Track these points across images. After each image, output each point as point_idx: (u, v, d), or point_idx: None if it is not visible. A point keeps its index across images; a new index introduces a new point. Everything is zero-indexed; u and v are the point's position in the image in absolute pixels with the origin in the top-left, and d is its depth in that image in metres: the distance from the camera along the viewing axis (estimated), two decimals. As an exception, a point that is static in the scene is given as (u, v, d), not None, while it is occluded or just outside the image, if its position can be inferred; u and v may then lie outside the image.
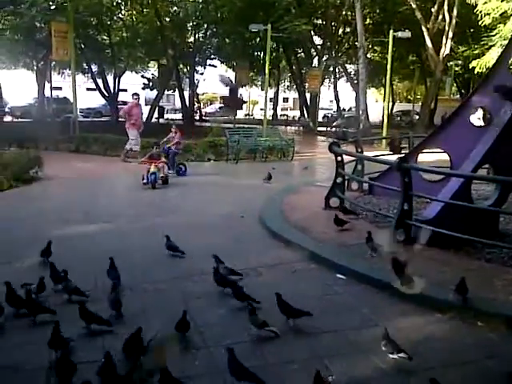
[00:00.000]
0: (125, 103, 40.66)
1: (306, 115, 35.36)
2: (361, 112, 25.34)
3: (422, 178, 8.21)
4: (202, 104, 47.57)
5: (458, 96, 42.55)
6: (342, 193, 8.59)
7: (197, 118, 38.30)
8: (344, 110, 44.72)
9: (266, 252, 6.50)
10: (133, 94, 15.71)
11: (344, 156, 8.79)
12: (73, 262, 5.65)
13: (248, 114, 47.49)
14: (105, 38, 31.60)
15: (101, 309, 4.52)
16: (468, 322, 4.55)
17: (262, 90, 34.85)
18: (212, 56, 35.74)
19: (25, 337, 4.20)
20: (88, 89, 38.42)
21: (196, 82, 36.81)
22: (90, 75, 33.26)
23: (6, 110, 35.09)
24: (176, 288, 5.25)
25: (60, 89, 37.72)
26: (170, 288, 5.27)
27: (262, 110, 41.04)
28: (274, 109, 43.01)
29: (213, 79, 45.06)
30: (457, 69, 36.05)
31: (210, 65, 37.13)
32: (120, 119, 31.10)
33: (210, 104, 57.36)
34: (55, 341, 3.77)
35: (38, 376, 3.63)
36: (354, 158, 10.00)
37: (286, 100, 61.45)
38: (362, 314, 4.77)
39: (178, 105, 40.92)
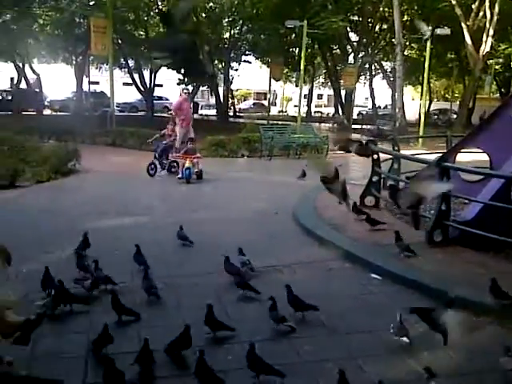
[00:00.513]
0: (160, 98, 41.31)
1: (340, 112, 35.09)
2: (397, 110, 24.99)
3: (460, 178, 8.03)
4: (235, 100, 47.70)
5: (498, 95, 41.48)
6: (377, 191, 8.49)
7: (231, 113, 38.46)
8: (379, 107, 44.15)
9: (300, 249, 6.47)
10: (182, 89, 15.69)
11: (380, 154, 8.68)
12: (109, 254, 5.80)
13: (282, 111, 47.38)
14: (141, 33, 32.03)
15: (137, 299, 4.62)
16: (507, 328, 4.43)
17: (297, 86, 34.71)
18: (247, 52, 35.83)
19: (63, 325, 4.31)
20: (124, 83, 39.05)
21: (230, 77, 36.95)
22: (126, 70, 33.80)
23: (46, 103, 35.98)
24: (209, 283, 5.28)
25: (97, 83, 38.46)
26: (203, 282, 5.29)
27: (295, 106, 40.89)
28: (308, 105, 42.83)
29: (247, 75, 45.22)
30: (497, 67, 35.18)
31: (244, 61, 37.23)
32: (155, 114, 31.66)
33: (244, 100, 57.52)
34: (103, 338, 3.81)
35: (77, 363, 3.72)
36: (389, 157, 9.88)
37: (320, 97, 61.05)
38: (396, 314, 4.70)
39: (212, 101, 41.16)
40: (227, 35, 33.82)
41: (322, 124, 32.39)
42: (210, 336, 4.09)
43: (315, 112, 44.06)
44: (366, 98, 50.41)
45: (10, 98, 33.38)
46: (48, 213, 8.12)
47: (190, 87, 32.87)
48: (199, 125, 15.78)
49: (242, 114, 41.11)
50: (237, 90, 52.30)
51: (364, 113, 42.97)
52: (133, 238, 6.64)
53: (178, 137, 14.76)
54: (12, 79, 34.64)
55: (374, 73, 41.26)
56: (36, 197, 9.66)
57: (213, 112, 39.50)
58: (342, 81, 33.42)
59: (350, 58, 34.58)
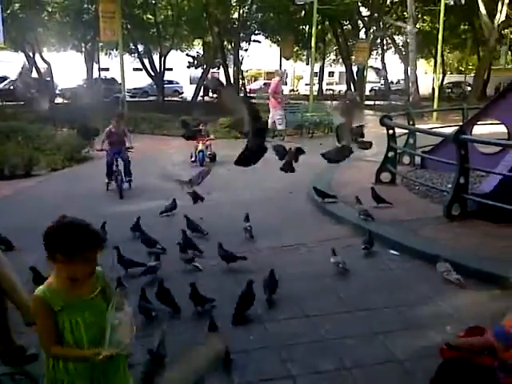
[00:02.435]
0: (170, 82, 41.09)
1: (352, 89, 34.70)
2: (410, 84, 24.65)
3: (476, 151, 7.92)
4: (246, 81, 47.32)
5: (514, 65, 40.68)
6: (393, 167, 8.40)
7: (241, 95, 38.19)
8: (392, 82, 43.55)
9: (317, 228, 6.45)
10: (276, 70, 15.75)
11: (396, 129, 8.57)
12: (128, 237, 5.93)
13: (293, 90, 46.95)
14: (150, 17, 31.78)
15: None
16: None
17: (307, 64, 34.31)
18: (256, 31, 35.41)
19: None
20: (134, 69, 38.87)
21: (240, 58, 36.61)
22: (136, 55, 33.62)
23: (57, 92, 36.03)
24: (228, 265, 5.27)
25: (107, 70, 38.40)
26: (221, 265, 5.28)
27: (307, 85, 40.44)
28: (320, 83, 42.36)
29: (257, 55, 44.75)
30: (512, 36, 34.43)
31: (254, 40, 36.81)
32: (166, 98, 31.58)
33: (255, 80, 57.09)
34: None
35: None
36: (404, 132, 9.77)
37: (331, 74, 60.28)
38: (416, 289, 4.69)
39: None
40: (236, 15, 33.42)
41: (334, 101, 32.03)
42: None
43: (327, 90, 43.54)
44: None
45: (22, 87, 33.50)
46: (65, 200, 8.17)
47: (200, 70, 32.74)
48: (211, 107, 15.72)
49: (253, 95, 40.80)
50: (247, 71, 51.86)
51: (376, 89, 42.42)
52: (149, 221, 6.68)
53: (277, 118, 14.78)
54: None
55: (385, 47, 40.66)
56: (52, 185, 9.72)
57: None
58: (353, 57, 33.03)
59: (362, 34, 34.11)
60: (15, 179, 9.85)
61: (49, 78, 32.49)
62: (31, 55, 31.84)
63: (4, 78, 35.95)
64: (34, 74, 32.74)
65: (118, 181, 8.56)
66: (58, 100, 34.13)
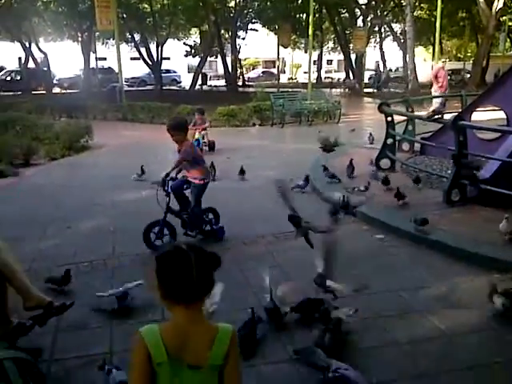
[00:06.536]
0: (168, 71, 40.96)
1: (351, 77, 34.62)
2: (409, 72, 24.56)
3: (475, 137, 7.93)
4: (244, 69, 47.16)
5: (512, 52, 40.57)
6: (393, 154, 8.40)
7: (240, 83, 38.09)
8: (391, 70, 43.38)
9: (317, 215, 6.41)
10: (443, 61, 16.51)
11: (394, 116, 8.56)
12: (127, 225, 5.92)
13: (291, 78, 46.77)
14: (146, 6, 31.63)
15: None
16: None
17: (306, 52, 34.17)
18: (253, 20, 35.26)
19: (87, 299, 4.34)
20: (132, 58, 38.77)
21: (238, 47, 36.48)
22: (133, 44, 33.50)
23: (55, 81, 35.91)
24: (227, 252, 5.28)
25: (105, 59, 38.26)
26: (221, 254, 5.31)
27: (305, 73, 40.33)
28: (318, 71, 42.21)
29: (255, 44, 44.56)
30: (511, 23, 34.24)
31: (251, 29, 36.66)
32: (164, 87, 31.48)
33: (253, 69, 56.88)
34: None
35: (103, 333, 3.75)
36: (403, 119, 9.75)
37: (329, 62, 60.01)
38: (417, 274, 4.70)
39: (221, 71, 40.78)
40: (232, 3, 33.25)
41: (333, 89, 31.96)
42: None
43: (325, 78, 43.38)
44: (377, 62, 49.56)
45: (19, 77, 33.39)
46: (65, 188, 8.19)
47: (198, 58, 32.66)
48: (209, 96, 15.71)
49: (251, 83, 40.64)
50: (245, 60, 51.67)
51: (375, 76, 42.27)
52: (150, 210, 6.68)
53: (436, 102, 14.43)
54: (20, 59, 34.54)
55: (383, 35, 40.48)
56: (51, 174, 9.71)
57: (222, 82, 39.14)
58: (351, 45, 32.90)
59: (359, 22, 33.97)
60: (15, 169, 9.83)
61: (46, 68, 32.37)
62: (27, 45, 31.69)
63: (1, 69, 35.85)
64: (31, 64, 32.65)
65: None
66: (56, 90, 34.04)
